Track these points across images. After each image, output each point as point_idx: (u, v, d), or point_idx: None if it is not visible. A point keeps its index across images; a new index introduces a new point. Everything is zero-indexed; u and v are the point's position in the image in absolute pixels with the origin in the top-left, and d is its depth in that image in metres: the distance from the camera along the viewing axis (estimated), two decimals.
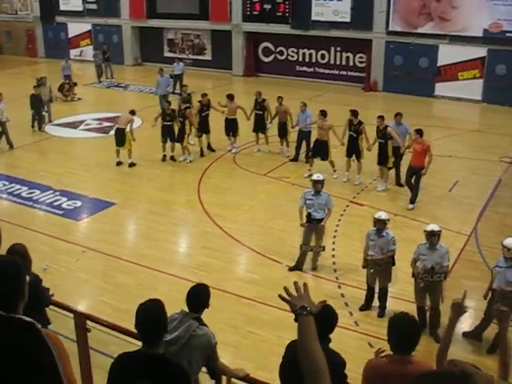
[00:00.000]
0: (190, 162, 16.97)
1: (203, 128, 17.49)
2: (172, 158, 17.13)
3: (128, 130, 16.47)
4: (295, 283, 3.06)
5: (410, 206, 13.68)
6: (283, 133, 17.30)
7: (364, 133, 14.90)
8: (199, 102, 17.58)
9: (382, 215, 9.49)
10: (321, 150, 15.47)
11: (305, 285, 3.03)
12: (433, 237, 8.79)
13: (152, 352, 4.03)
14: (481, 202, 13.58)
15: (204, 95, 17.71)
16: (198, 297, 5.42)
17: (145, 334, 4.10)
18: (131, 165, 16.62)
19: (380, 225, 9.39)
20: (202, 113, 17.44)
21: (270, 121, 17.53)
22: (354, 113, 15.05)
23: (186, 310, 5.40)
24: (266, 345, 8.70)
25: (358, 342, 8.88)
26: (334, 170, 15.57)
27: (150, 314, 4.10)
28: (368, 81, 27.03)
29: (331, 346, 4.89)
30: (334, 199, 11.78)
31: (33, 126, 20.12)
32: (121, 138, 16.57)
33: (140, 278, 10.67)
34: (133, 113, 16.83)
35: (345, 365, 4.89)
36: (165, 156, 17.11)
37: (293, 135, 16.99)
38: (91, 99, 25.69)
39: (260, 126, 17.62)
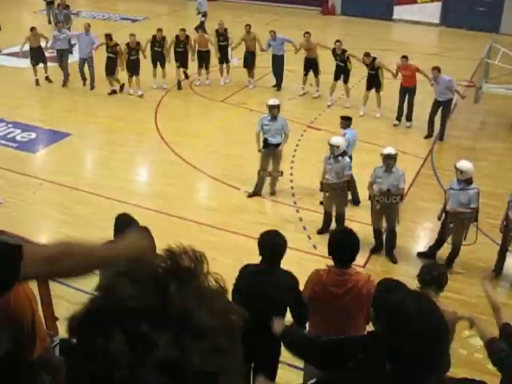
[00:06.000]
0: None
1: (182, 62, 16.50)
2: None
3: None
4: None
5: (408, 124, 14.21)
6: (251, 63, 16.61)
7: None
8: (176, 36, 16.26)
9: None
10: (311, 66, 15.71)
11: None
12: (389, 160, 8.86)
13: None
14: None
15: (182, 30, 16.45)
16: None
17: None
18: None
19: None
20: (176, 48, 16.31)
21: (231, 50, 16.65)
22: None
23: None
24: (228, 269, 8.81)
25: (316, 264, 8.96)
26: (317, 90, 15.92)
27: None
28: (326, 4, 26.61)
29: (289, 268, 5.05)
30: (292, 124, 11.80)
31: None
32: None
33: (99, 208, 10.54)
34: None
35: (297, 283, 5.13)
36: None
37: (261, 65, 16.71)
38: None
39: (224, 57, 16.75)
